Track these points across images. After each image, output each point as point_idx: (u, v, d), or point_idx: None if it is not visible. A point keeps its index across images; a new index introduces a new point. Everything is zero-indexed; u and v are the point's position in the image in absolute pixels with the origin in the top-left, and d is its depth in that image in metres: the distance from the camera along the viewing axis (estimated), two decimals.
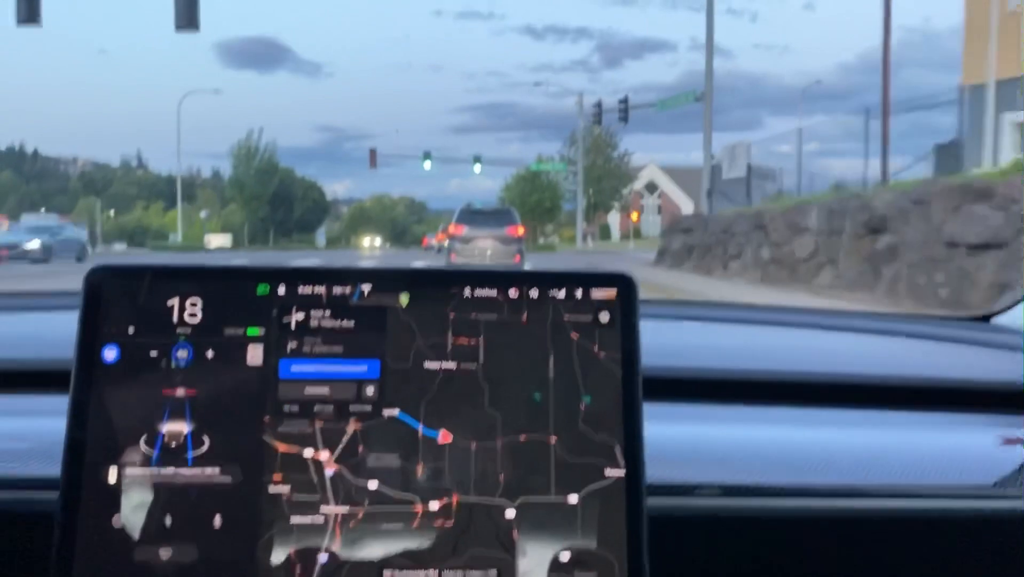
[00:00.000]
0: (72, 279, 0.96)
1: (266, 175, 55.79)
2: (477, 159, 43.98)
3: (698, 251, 16.68)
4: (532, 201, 54.00)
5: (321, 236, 68.12)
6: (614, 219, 71.04)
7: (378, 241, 60.68)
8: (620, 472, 0.57)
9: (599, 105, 30.56)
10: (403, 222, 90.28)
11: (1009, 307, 1.18)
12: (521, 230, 15.77)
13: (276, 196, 58.71)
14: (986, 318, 1.20)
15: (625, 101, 29.22)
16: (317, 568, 0.55)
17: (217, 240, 53.33)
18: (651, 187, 69.73)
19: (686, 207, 70.26)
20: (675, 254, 18.17)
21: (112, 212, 73.00)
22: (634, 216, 50.30)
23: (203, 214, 52.67)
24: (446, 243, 16.23)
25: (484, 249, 14.82)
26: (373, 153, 40.58)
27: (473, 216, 15.67)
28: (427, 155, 42.93)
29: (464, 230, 15.13)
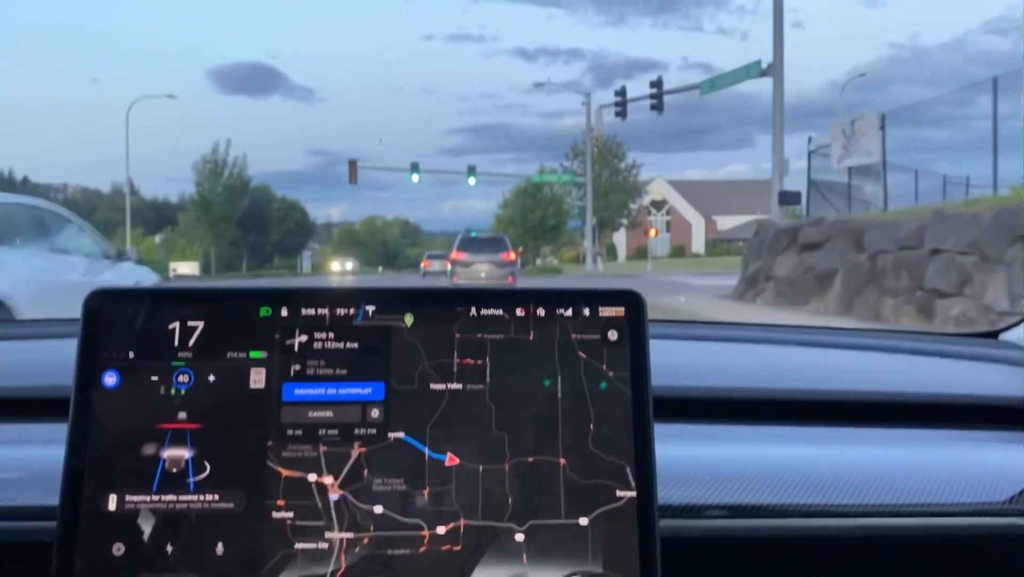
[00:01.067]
0: None
1: (235, 193, 48.79)
2: (471, 172, 37.86)
3: (847, 282, 10.01)
4: (534, 218, 47.95)
5: (307, 261, 62.37)
6: (620, 238, 65.30)
7: (349, 264, 53.81)
8: (631, 493, 0.56)
9: (623, 92, 24.16)
10: (395, 245, 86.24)
11: (1017, 323, 1.16)
12: (513, 255, 17.77)
13: (248, 216, 52.29)
14: (994, 334, 1.19)
15: (659, 83, 22.87)
16: None
17: (183, 268, 46.66)
18: (658, 203, 63.69)
19: (697, 224, 64.37)
20: (786, 285, 11.49)
21: None
22: (651, 232, 43.97)
23: (158, 239, 46.20)
24: (430, 268, 18.71)
25: (479, 272, 16.87)
26: (353, 165, 34.39)
27: (471, 243, 18.05)
28: (415, 168, 36.76)
29: (464, 256, 17.38)
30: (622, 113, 23.66)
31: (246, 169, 49.94)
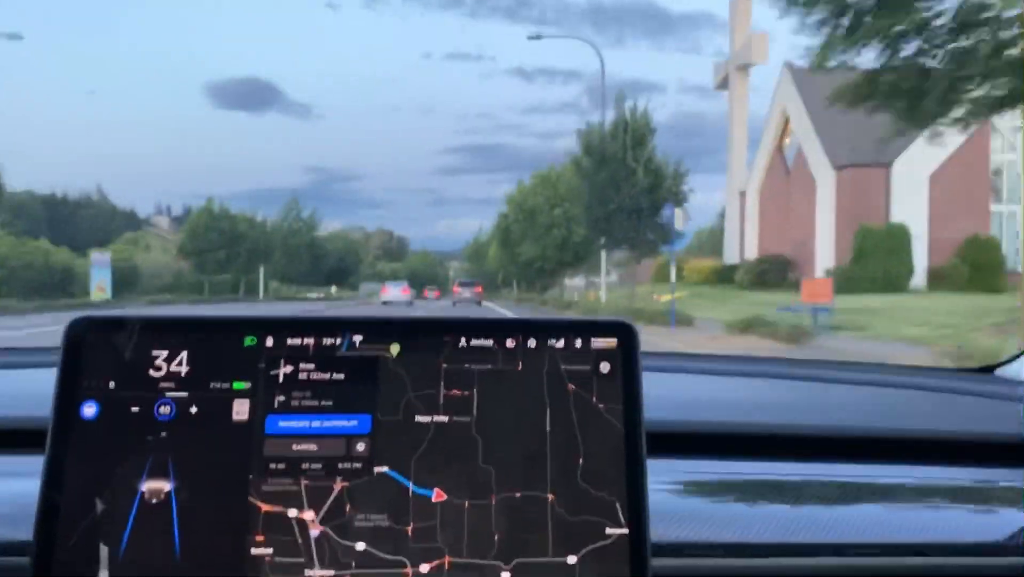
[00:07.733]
0: None
1: None
2: None
3: None
4: None
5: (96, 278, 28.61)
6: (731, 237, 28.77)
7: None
8: (622, 531, 0.55)
9: None
10: (347, 258, 56.23)
11: (1013, 358, 1.16)
12: (480, 289, 35.32)
13: None
14: (990, 369, 1.19)
15: None
16: None
17: None
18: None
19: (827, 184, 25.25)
20: None
21: None
22: None
23: None
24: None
25: (464, 296, 33.97)
26: None
27: (462, 283, 36.81)
28: None
29: (459, 289, 34.96)
30: None
31: None
